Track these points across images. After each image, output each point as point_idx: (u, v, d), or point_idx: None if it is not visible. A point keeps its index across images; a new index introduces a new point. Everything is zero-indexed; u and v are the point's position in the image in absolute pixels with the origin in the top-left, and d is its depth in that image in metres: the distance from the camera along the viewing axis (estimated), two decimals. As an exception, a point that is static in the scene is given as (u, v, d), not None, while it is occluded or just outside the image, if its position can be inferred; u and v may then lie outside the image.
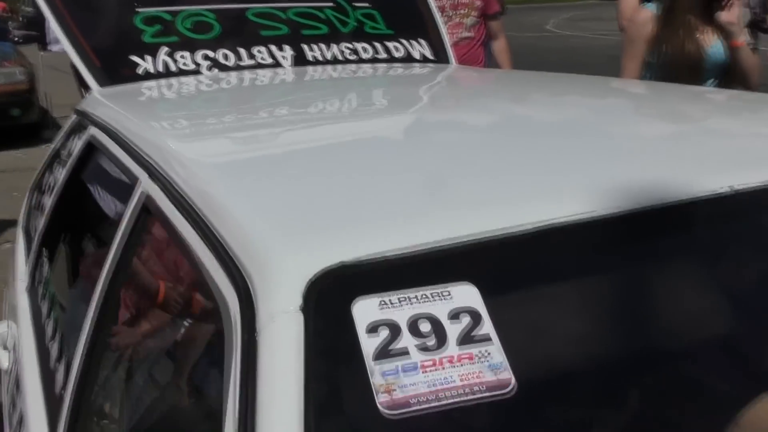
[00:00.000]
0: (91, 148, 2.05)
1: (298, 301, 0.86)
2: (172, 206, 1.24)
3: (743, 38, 2.94)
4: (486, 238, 0.92)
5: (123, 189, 1.60)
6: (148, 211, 1.39)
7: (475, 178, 1.11)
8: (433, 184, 1.08)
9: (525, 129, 1.50)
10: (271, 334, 0.85)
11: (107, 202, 1.98)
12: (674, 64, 2.82)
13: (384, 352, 0.83)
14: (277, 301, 0.87)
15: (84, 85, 2.78)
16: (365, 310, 0.86)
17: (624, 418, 0.98)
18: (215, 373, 1.15)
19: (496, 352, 0.84)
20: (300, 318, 0.85)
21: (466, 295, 0.88)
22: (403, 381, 0.81)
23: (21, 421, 1.74)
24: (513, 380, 0.82)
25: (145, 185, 1.41)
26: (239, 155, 1.45)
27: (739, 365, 1.40)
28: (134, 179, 1.49)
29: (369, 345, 0.83)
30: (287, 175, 1.23)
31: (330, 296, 0.87)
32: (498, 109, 1.79)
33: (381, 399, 0.79)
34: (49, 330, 1.90)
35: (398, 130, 1.63)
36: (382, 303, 0.86)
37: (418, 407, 0.79)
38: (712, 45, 2.88)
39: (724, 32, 2.86)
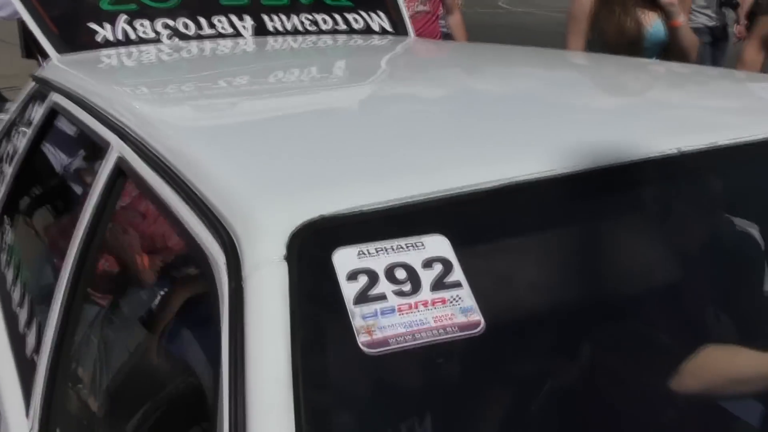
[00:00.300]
0: (54, 115, 2.06)
1: (282, 251, 0.92)
2: (148, 168, 1.27)
3: (682, 18, 3.04)
4: (455, 194, 0.99)
5: (92, 153, 1.63)
6: (122, 173, 1.43)
7: (444, 141, 1.18)
8: (403, 147, 1.14)
9: (485, 97, 1.57)
10: (257, 281, 0.90)
11: (73, 167, 1.99)
12: (613, 42, 2.91)
13: (363, 297, 0.89)
14: (262, 251, 0.93)
15: (41, 53, 2.76)
16: (345, 259, 0.92)
17: (577, 355, 1.07)
18: (199, 327, 1.21)
19: (466, 296, 0.91)
20: (284, 266, 0.91)
21: (438, 245, 0.94)
22: (381, 323, 0.87)
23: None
24: (482, 321, 0.89)
25: (119, 148, 1.44)
26: (211, 120, 1.49)
27: (682, 317, 1.50)
28: (105, 143, 1.52)
29: (349, 291, 0.89)
30: (260, 139, 1.28)
31: (311, 247, 0.93)
32: (458, 79, 1.86)
33: (362, 339, 0.86)
34: (15, 296, 1.92)
35: (364, 98, 1.69)
36: (361, 253, 0.92)
37: (396, 346, 0.86)
38: (653, 24, 2.98)
39: (665, 12, 2.97)
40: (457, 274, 0.92)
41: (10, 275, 2.03)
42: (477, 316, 0.90)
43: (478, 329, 0.89)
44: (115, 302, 1.60)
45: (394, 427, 1.03)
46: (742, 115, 1.30)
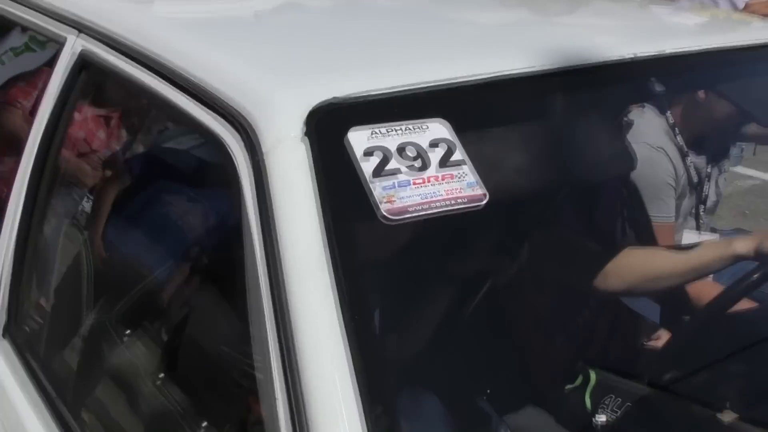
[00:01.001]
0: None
1: (302, 128, 0.98)
2: (126, 63, 1.28)
3: None
4: (454, 84, 1.08)
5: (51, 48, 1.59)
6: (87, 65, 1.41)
7: (443, 37, 1.26)
8: (408, 40, 1.22)
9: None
10: (280, 155, 0.96)
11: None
12: None
13: (379, 172, 0.97)
14: (281, 129, 0.98)
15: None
16: (359, 138, 0.99)
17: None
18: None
19: (470, 173, 1.01)
20: (306, 142, 0.97)
21: (441, 128, 1.03)
22: (400, 194, 0.95)
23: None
24: (486, 195, 0.99)
25: (80, 43, 1.42)
26: (203, 14, 1.48)
27: (627, 211, 1.67)
28: (62, 38, 1.49)
29: (366, 166, 0.97)
30: (263, 29, 1.31)
31: (327, 126, 0.99)
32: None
33: (384, 208, 0.94)
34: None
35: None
36: (374, 132, 1.00)
37: (415, 214, 0.95)
38: None
39: None
40: (460, 153, 1.02)
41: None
42: (481, 190, 0.99)
43: (483, 201, 0.99)
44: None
45: (411, 283, 1.12)
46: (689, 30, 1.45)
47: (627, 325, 2.13)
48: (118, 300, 1.38)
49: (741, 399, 1.59)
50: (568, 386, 2.03)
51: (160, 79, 1.17)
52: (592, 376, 2.00)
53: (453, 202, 0.97)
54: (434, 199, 0.97)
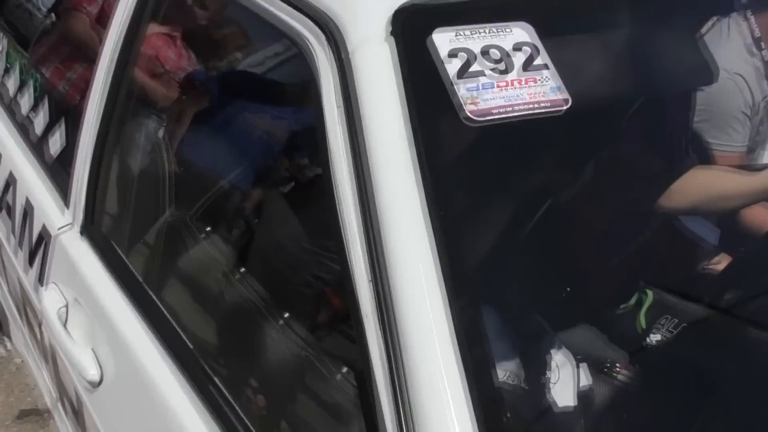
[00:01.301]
0: None
1: (388, 27, 0.98)
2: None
3: None
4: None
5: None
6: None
7: None
8: None
9: None
10: (364, 55, 0.97)
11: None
12: None
13: (463, 73, 0.97)
14: (367, 28, 0.99)
15: None
16: (443, 39, 0.99)
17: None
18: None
19: (552, 77, 1.00)
20: (391, 42, 0.98)
21: (525, 32, 1.03)
22: (484, 96, 0.96)
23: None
24: (570, 99, 0.99)
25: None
26: None
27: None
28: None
29: (451, 67, 0.97)
30: None
31: (412, 27, 1.00)
32: None
33: (468, 109, 0.95)
34: (24, 103, 1.91)
35: None
36: (458, 34, 1.00)
37: (498, 116, 0.96)
38: None
39: None
40: (544, 58, 1.01)
41: (11, 86, 2.00)
42: (565, 95, 1.00)
43: (566, 106, 0.99)
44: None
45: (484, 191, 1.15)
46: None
47: (687, 248, 2.12)
48: (197, 201, 1.43)
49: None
50: (623, 306, 2.05)
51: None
52: (650, 295, 2.01)
53: (536, 105, 0.98)
54: (518, 102, 0.97)
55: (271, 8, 1.11)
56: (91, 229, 1.56)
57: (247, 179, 1.43)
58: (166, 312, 1.31)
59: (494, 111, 0.96)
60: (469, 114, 0.94)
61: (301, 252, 1.19)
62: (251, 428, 1.06)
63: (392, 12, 1.00)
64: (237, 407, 1.09)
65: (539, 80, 1.00)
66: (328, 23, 1.01)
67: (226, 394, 1.11)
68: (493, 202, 1.60)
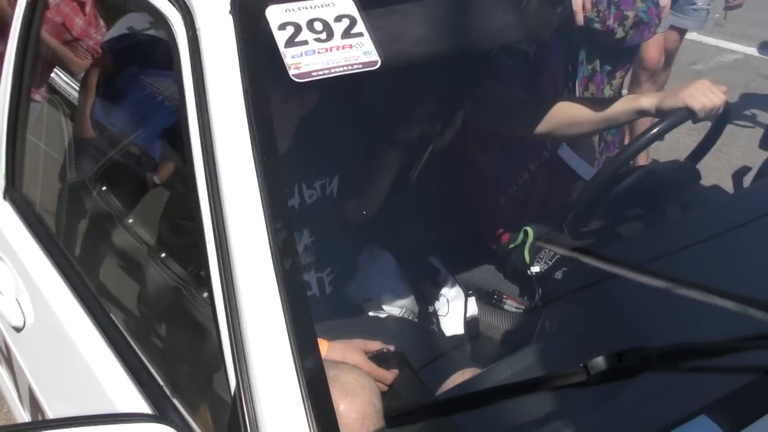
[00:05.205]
0: None
1: (227, 6, 1.19)
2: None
3: None
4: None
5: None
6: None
7: None
8: None
9: None
10: (209, 29, 1.18)
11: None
12: None
13: (291, 42, 1.19)
14: (212, 6, 1.20)
15: None
16: (275, 13, 1.20)
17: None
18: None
19: (368, 42, 1.22)
20: (230, 18, 1.18)
21: (345, 5, 1.24)
22: (306, 61, 1.18)
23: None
24: (380, 60, 1.21)
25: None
26: None
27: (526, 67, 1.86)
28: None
29: (281, 37, 1.18)
30: None
31: (249, 4, 1.21)
32: None
33: (292, 72, 1.16)
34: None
35: None
36: (287, 9, 1.21)
37: (317, 77, 1.17)
38: None
39: None
40: (360, 26, 1.23)
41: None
42: (376, 57, 1.21)
43: (376, 66, 1.21)
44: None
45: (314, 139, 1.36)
46: None
47: (564, 183, 2.37)
48: (95, 163, 1.64)
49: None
50: (513, 244, 2.30)
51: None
52: (530, 232, 2.27)
53: (349, 67, 1.20)
54: (334, 65, 1.19)
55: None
56: (12, 192, 1.76)
57: (128, 143, 1.64)
58: (75, 263, 1.53)
59: (314, 73, 1.18)
60: (292, 75, 1.16)
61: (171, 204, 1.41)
62: (144, 359, 1.29)
63: (232, -7, 1.20)
64: (133, 342, 1.32)
65: (354, 46, 1.22)
66: (183, 2, 1.22)
67: (123, 331, 1.35)
68: (368, 155, 1.83)
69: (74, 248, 1.60)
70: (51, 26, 1.97)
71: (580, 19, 2.70)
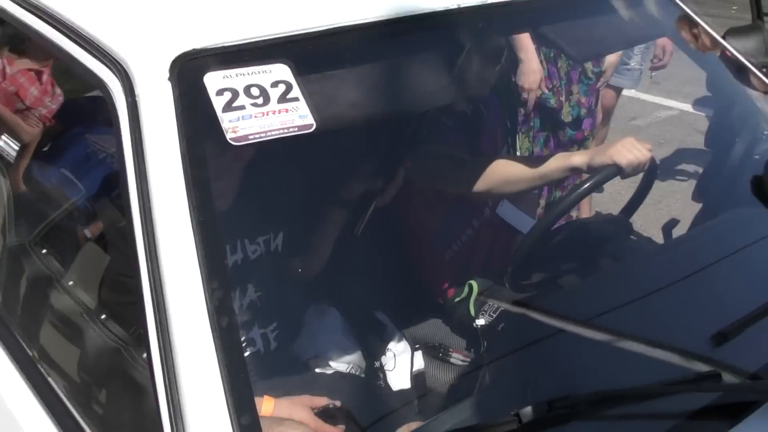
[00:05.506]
0: None
1: (167, 74, 1.24)
2: (30, 15, 1.51)
3: None
4: (295, 34, 1.34)
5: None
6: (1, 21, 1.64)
7: None
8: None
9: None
10: (149, 95, 1.22)
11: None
12: None
13: (228, 107, 1.23)
14: (151, 74, 1.24)
15: None
16: (213, 80, 1.25)
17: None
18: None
19: (303, 107, 1.27)
20: (169, 85, 1.23)
21: (282, 71, 1.30)
22: (243, 124, 1.22)
23: None
24: (315, 123, 1.26)
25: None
26: None
27: (464, 126, 1.95)
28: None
29: (218, 102, 1.23)
30: None
31: (188, 71, 1.25)
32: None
33: (229, 136, 1.21)
34: None
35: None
36: (225, 76, 1.26)
37: (254, 140, 1.22)
38: None
39: None
40: (296, 91, 1.28)
41: None
42: (311, 120, 1.27)
43: (312, 128, 1.26)
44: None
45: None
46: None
47: (505, 237, 2.43)
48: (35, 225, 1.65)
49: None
50: (458, 298, 2.35)
51: (57, 32, 1.41)
52: (475, 286, 2.32)
53: (285, 130, 1.25)
54: (270, 129, 1.24)
55: (79, 57, 1.35)
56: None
57: (68, 205, 1.66)
58: (13, 329, 1.53)
59: (250, 136, 1.22)
60: (229, 139, 1.20)
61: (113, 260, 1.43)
62: (83, 424, 1.29)
63: (171, 60, 1.25)
64: (72, 408, 1.32)
65: (290, 110, 1.27)
66: (122, 69, 1.26)
67: (62, 396, 1.34)
68: (310, 215, 1.87)
69: (14, 313, 1.60)
70: (3, 95, 2.00)
71: (533, 98, 2.87)
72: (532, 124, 3.05)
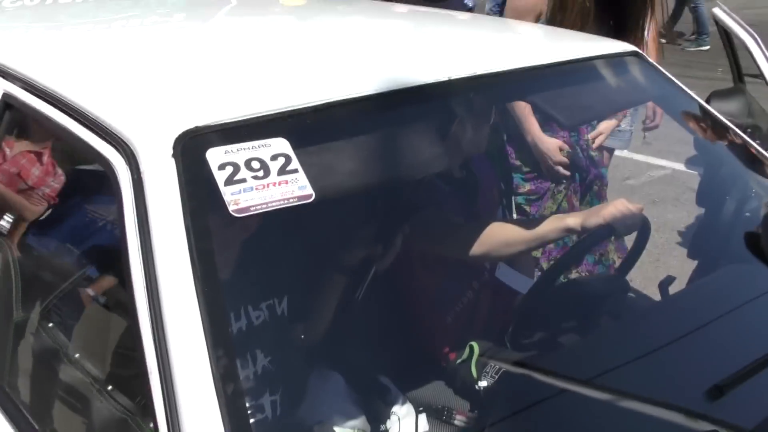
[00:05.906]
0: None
1: (170, 150, 1.29)
2: (38, 100, 1.57)
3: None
4: (292, 109, 1.40)
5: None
6: (9, 107, 1.71)
7: (278, 73, 1.58)
8: (252, 75, 1.54)
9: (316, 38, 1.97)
10: (153, 172, 1.27)
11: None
12: None
13: (230, 180, 1.28)
14: (155, 152, 1.29)
15: None
16: (215, 155, 1.30)
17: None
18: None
19: (302, 178, 1.32)
20: (173, 161, 1.28)
21: (281, 145, 1.35)
22: (244, 197, 1.27)
23: None
24: (314, 194, 1.31)
25: (4, 86, 1.71)
26: (84, 55, 1.78)
27: (459, 190, 2.00)
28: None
29: (220, 177, 1.28)
30: (135, 69, 1.62)
31: (190, 147, 1.30)
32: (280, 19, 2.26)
33: (232, 208, 1.25)
34: None
35: (210, 34, 2.04)
36: (227, 151, 1.31)
37: (255, 211, 1.26)
38: None
39: None
40: (295, 164, 1.33)
41: None
42: (310, 191, 1.31)
43: (311, 199, 1.31)
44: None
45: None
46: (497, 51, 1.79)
47: (502, 299, 2.46)
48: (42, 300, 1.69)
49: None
50: (460, 360, 2.36)
51: (63, 114, 1.47)
52: (476, 348, 2.33)
53: (286, 201, 1.29)
54: (271, 200, 1.29)
55: (84, 137, 1.40)
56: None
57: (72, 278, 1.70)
58: (21, 406, 1.55)
59: (252, 208, 1.27)
60: (231, 211, 1.25)
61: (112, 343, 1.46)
62: None
63: (175, 137, 1.30)
64: None
65: (290, 181, 1.32)
66: (127, 147, 1.31)
67: None
68: (313, 282, 1.91)
69: (22, 389, 1.61)
70: (5, 177, 2.05)
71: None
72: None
